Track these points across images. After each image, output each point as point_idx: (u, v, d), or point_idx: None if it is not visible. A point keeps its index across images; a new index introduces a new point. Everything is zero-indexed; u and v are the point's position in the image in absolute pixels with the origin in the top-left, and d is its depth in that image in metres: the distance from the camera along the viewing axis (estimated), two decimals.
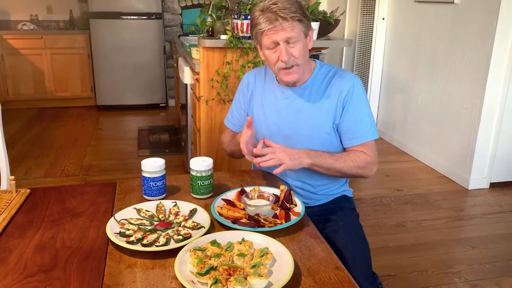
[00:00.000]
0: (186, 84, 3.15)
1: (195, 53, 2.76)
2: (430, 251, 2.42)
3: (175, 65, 4.58)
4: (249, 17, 2.40)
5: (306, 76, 1.46)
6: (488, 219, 2.82)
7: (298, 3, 1.36)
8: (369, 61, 4.41)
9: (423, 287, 2.11)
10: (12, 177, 1.35)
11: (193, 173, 1.32)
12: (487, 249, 2.45)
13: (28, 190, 1.37)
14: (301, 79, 1.46)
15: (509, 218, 2.83)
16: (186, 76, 3.00)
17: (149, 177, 1.30)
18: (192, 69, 2.88)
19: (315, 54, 3.11)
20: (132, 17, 5.13)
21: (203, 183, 1.31)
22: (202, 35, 2.77)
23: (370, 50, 4.38)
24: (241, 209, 1.24)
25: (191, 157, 3.27)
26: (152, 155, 3.70)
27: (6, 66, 5.12)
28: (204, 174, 1.31)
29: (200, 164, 1.31)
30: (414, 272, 2.23)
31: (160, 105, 5.56)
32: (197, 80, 2.67)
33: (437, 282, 2.15)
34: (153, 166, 1.30)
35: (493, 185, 3.27)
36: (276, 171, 1.32)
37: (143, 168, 1.31)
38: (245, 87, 1.61)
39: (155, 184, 1.30)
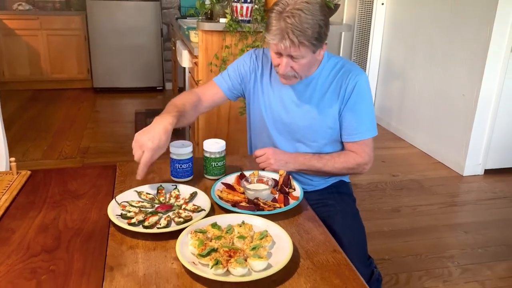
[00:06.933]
0: (184, 68, 3.14)
1: (194, 37, 2.74)
2: (424, 236, 2.46)
3: (173, 48, 4.55)
4: (248, 0, 2.39)
5: (312, 69, 1.44)
6: (482, 205, 2.86)
7: (319, 26, 1.26)
8: (368, 47, 4.40)
9: (417, 270, 2.16)
10: (13, 158, 1.36)
11: (207, 155, 1.35)
12: (480, 234, 2.50)
13: (29, 172, 1.38)
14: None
15: (502, 204, 2.88)
16: (185, 60, 2.98)
17: (176, 159, 1.32)
18: (191, 53, 2.86)
19: None
20: None
21: (216, 164, 1.35)
22: (200, 18, 2.75)
23: (369, 35, 4.37)
24: (241, 193, 1.26)
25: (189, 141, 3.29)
26: None
27: (2, 47, 5.07)
28: (218, 156, 1.34)
29: (213, 146, 1.34)
30: (408, 256, 2.27)
31: (157, 88, 5.54)
32: (196, 63, 2.66)
33: (430, 266, 2.20)
34: (181, 149, 1.32)
35: (487, 172, 3.30)
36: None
37: (171, 150, 1.33)
38: (250, 63, 1.55)
39: (180, 166, 1.33)
